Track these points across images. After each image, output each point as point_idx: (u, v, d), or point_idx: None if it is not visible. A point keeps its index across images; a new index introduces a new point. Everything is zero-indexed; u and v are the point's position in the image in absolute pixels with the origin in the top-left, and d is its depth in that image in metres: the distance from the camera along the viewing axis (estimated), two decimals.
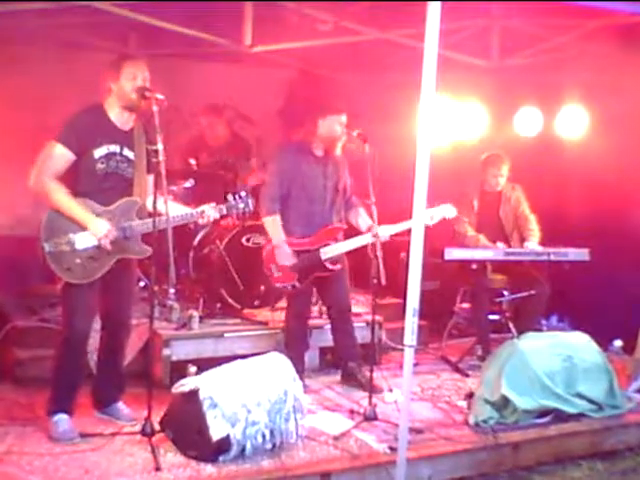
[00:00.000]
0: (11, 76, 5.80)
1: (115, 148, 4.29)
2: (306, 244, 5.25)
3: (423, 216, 3.93)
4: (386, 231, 5.08)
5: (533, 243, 6.07)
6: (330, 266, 5.25)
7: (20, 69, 5.86)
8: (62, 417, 4.33)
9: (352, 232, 5.38)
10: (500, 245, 6.08)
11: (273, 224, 5.22)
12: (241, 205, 4.57)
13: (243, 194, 4.57)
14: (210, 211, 4.45)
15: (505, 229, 6.27)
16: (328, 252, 5.24)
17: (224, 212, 4.54)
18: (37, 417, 4.52)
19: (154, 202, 4.13)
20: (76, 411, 4.44)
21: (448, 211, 5.37)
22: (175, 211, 4.36)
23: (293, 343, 5.37)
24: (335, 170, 5.34)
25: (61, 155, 4.15)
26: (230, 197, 4.55)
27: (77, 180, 4.21)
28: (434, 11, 3.70)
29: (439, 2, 3.69)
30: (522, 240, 6.21)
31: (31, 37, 5.76)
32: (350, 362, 5.47)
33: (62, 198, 4.14)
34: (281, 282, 5.26)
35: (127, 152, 4.33)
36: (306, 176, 5.25)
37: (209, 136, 6.57)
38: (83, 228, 4.18)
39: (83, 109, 4.28)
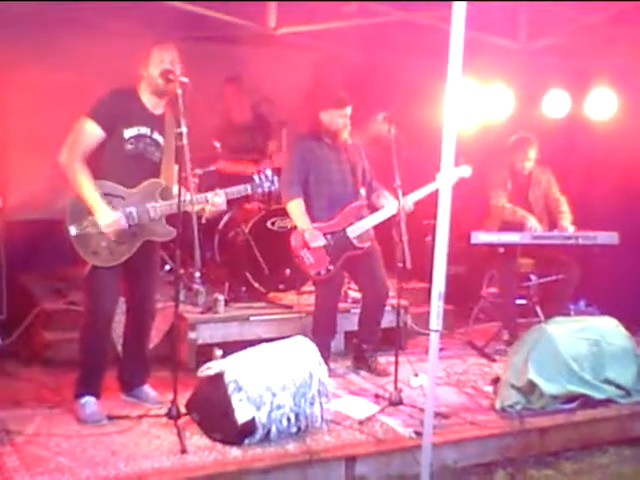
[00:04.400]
0: (39, 62, 5.82)
1: (146, 130, 4.30)
2: (332, 226, 5.24)
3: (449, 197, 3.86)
4: (410, 199, 5.09)
5: (567, 223, 6.00)
6: (359, 244, 5.24)
7: (47, 54, 5.86)
8: (90, 400, 4.38)
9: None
10: (533, 221, 5.99)
11: (297, 208, 5.21)
12: (266, 184, 4.53)
13: (269, 172, 4.54)
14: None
15: (535, 212, 6.20)
16: (355, 230, 5.24)
17: (249, 191, 4.51)
18: (65, 399, 4.57)
19: (179, 187, 4.14)
20: (103, 394, 4.48)
21: (464, 171, 5.37)
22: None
23: (320, 331, 5.35)
24: (350, 154, 5.35)
25: (92, 132, 4.17)
26: (255, 177, 4.53)
27: (104, 160, 4.24)
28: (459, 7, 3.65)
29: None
30: (552, 223, 6.15)
31: (60, 22, 5.76)
32: (365, 344, 5.48)
33: (82, 181, 4.15)
34: (315, 268, 5.21)
35: (157, 136, 4.35)
36: (322, 160, 5.27)
37: (234, 111, 6.53)
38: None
39: (116, 88, 4.31)
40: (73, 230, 4.18)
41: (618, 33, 5.84)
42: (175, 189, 4.28)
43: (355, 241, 5.24)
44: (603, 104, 6.59)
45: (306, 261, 5.20)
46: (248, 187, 4.50)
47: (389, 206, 5.22)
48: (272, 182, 4.55)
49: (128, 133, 4.24)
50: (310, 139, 5.35)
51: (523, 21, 6.31)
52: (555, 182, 6.29)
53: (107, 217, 4.18)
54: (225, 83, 6.52)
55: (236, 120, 6.53)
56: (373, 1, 5.63)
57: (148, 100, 4.33)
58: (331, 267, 5.22)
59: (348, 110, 5.25)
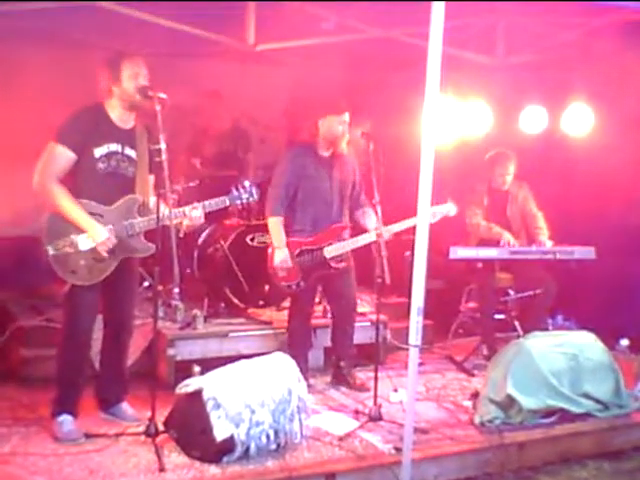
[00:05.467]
0: (12, 75, 5.80)
1: (116, 147, 4.26)
2: (310, 243, 5.23)
3: (427, 213, 3.89)
4: (389, 230, 5.07)
5: (544, 238, 6.04)
6: (334, 264, 5.24)
7: (21, 68, 5.84)
8: (66, 418, 4.33)
9: (358, 231, 5.36)
10: (508, 236, 6.02)
11: (276, 225, 5.19)
12: (245, 195, 4.49)
13: (247, 184, 4.51)
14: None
15: (512, 228, 6.23)
16: (332, 251, 5.23)
17: (227, 203, 4.48)
18: (42, 417, 4.51)
19: (157, 201, 4.13)
20: (80, 412, 4.43)
21: (450, 209, 5.40)
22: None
23: (296, 342, 5.36)
24: (342, 170, 5.31)
25: (62, 156, 4.13)
26: (233, 189, 4.50)
27: (78, 180, 4.19)
28: (438, 11, 3.68)
29: (443, 2, 3.67)
30: (529, 239, 6.19)
31: (31, 37, 5.75)
32: (342, 361, 5.48)
33: (65, 203, 4.11)
34: (285, 281, 5.23)
35: (129, 151, 4.31)
36: (313, 178, 5.22)
37: (212, 123, 6.52)
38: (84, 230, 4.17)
39: (82, 108, 4.26)
40: (51, 250, 4.14)
41: (594, 49, 5.90)
42: (152, 201, 4.26)
43: (331, 262, 5.23)
44: (580, 119, 6.64)
45: (279, 273, 5.21)
46: (226, 199, 4.47)
47: (370, 233, 5.18)
48: (250, 194, 4.51)
49: (98, 152, 4.20)
50: (305, 154, 5.25)
51: (500, 37, 6.36)
52: (532, 198, 6.33)
53: (102, 234, 4.14)
54: (202, 97, 6.52)
55: (212, 130, 6.52)
56: (350, 1, 5.63)
57: (118, 115, 4.28)
58: (302, 282, 5.22)
59: (346, 117, 5.18)
